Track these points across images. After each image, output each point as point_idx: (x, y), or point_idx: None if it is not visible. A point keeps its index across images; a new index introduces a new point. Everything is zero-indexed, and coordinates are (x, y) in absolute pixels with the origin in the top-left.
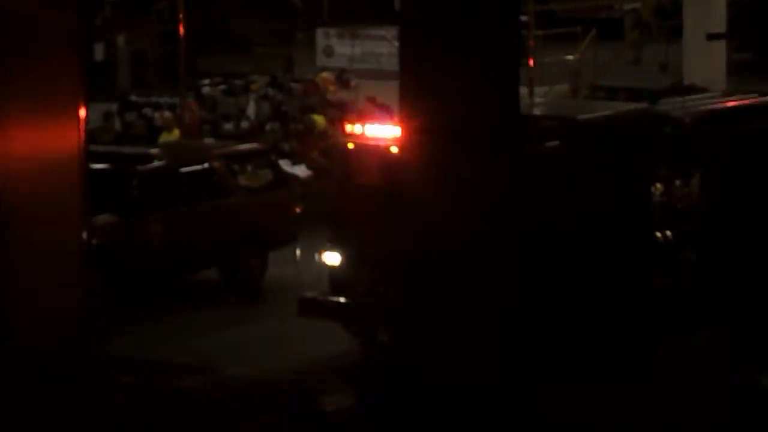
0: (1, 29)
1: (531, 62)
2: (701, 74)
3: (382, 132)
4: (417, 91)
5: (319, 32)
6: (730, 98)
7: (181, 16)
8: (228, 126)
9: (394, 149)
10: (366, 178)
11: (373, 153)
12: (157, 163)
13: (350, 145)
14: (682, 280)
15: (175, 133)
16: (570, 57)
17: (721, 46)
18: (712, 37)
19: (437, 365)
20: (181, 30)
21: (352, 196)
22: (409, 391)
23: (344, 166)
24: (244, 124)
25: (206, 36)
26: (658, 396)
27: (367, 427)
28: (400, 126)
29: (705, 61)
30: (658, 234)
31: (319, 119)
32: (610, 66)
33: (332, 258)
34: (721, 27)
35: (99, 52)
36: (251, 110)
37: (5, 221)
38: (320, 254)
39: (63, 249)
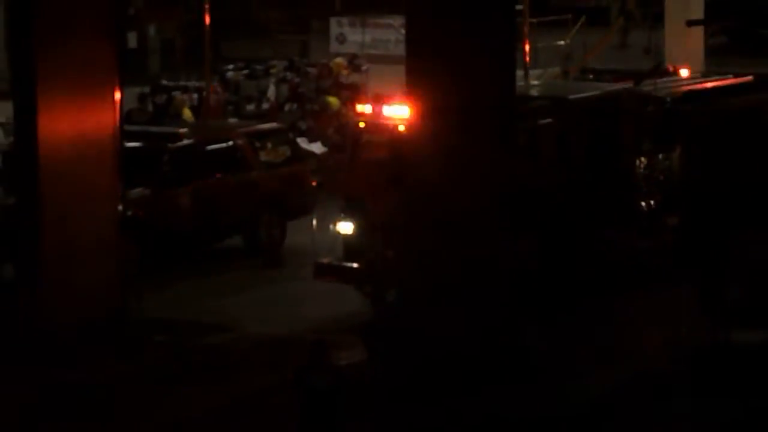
0: (43, 18)
1: (526, 46)
2: (681, 57)
3: (390, 112)
4: (421, 74)
5: (333, 21)
6: (707, 79)
7: (206, 6)
8: (250, 107)
9: (401, 127)
10: (375, 153)
11: (382, 131)
12: (185, 141)
13: (361, 124)
14: (663, 242)
15: (186, 114)
16: (562, 42)
17: (699, 32)
18: (691, 23)
19: (439, 322)
20: (207, 19)
21: (363, 170)
22: (413, 346)
23: (356, 142)
24: (265, 105)
25: (229, 24)
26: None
27: (376, 380)
28: (406, 106)
29: (684, 45)
30: (642, 202)
31: (333, 100)
32: (598, 50)
33: (345, 227)
34: (699, 14)
35: (132, 40)
36: (271, 92)
37: (48, 194)
38: (334, 223)
39: (100, 219)
